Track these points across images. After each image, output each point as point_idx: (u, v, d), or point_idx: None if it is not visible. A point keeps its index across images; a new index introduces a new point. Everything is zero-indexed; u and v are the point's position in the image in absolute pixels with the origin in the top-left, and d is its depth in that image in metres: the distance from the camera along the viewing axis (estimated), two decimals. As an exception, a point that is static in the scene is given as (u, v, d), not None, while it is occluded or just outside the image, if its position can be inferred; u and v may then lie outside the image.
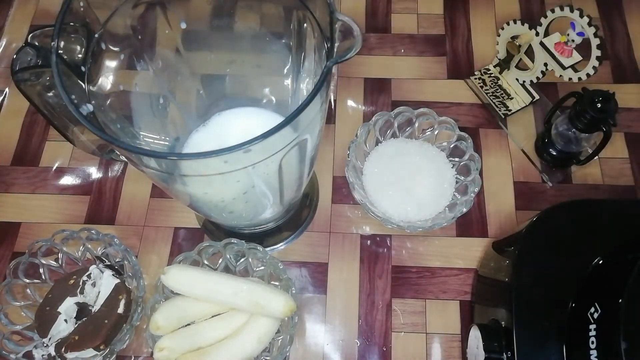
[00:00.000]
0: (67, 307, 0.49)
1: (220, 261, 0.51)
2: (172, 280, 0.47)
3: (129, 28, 0.40)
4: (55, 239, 0.52)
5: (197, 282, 0.47)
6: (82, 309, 0.50)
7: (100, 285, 0.50)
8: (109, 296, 0.50)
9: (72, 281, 0.51)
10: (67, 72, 0.34)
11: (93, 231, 0.52)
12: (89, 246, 0.53)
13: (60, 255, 0.52)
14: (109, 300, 0.49)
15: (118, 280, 0.50)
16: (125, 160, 0.50)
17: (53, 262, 0.52)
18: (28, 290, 0.51)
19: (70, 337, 0.48)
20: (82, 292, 0.50)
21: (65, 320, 0.49)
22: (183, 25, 0.44)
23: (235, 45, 0.48)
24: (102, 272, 0.51)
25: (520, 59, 0.60)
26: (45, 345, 0.48)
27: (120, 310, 0.49)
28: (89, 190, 0.59)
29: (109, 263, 0.53)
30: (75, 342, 0.47)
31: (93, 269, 0.51)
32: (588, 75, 0.53)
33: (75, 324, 0.49)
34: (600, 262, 0.41)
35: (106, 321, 0.48)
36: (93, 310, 0.49)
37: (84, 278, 0.51)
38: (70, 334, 0.48)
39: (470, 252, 0.55)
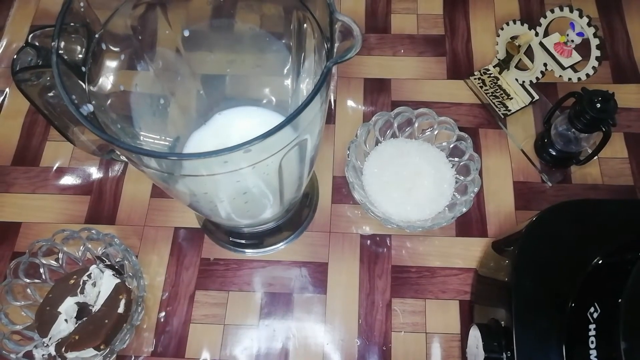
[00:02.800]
0: (68, 307, 0.49)
1: None
2: None
3: (129, 28, 0.40)
4: (55, 238, 0.52)
5: None
6: (83, 309, 0.50)
7: (101, 285, 0.50)
8: (109, 296, 0.50)
9: (72, 281, 0.51)
10: (68, 72, 0.34)
11: (93, 231, 0.52)
12: (89, 246, 0.53)
13: (60, 255, 0.52)
14: (109, 300, 0.49)
15: (118, 280, 0.50)
16: (126, 160, 0.50)
17: (53, 262, 0.52)
18: (28, 290, 0.51)
19: (70, 336, 0.48)
20: (82, 292, 0.50)
21: (66, 320, 0.49)
22: (186, 33, 0.44)
23: (235, 45, 0.48)
24: (103, 272, 0.51)
25: (520, 59, 0.60)
26: (45, 345, 0.48)
27: (121, 310, 0.49)
28: (89, 190, 0.59)
29: (109, 263, 0.53)
30: (75, 342, 0.47)
31: (93, 268, 0.51)
32: (588, 75, 0.53)
33: (76, 323, 0.49)
34: (600, 262, 0.41)
35: (106, 321, 0.48)
36: (93, 310, 0.49)
37: (84, 278, 0.51)
38: (70, 333, 0.48)
39: (469, 252, 0.55)
